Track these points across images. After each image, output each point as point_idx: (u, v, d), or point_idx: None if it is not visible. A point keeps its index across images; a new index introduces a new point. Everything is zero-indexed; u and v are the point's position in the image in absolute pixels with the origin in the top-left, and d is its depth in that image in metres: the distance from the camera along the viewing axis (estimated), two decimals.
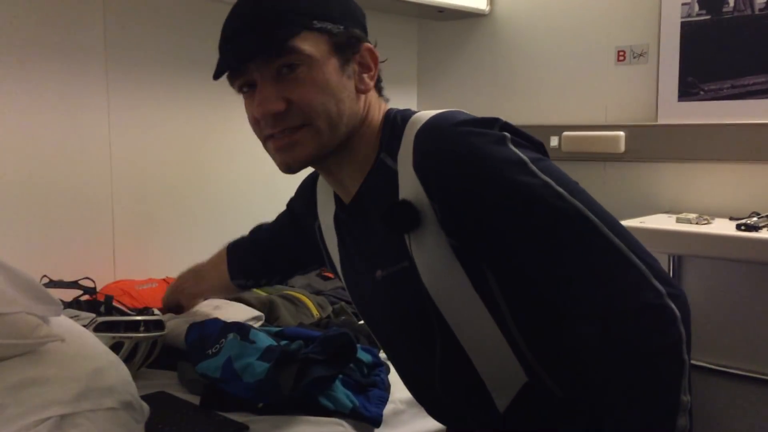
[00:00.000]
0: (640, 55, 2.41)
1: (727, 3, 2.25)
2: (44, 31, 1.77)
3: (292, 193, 2.50)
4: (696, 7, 2.31)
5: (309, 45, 0.92)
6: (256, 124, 0.98)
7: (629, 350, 0.82)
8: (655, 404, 0.81)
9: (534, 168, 0.86)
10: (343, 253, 1.10)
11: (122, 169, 1.95)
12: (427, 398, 1.10)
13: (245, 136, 2.28)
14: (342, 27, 0.95)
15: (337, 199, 1.08)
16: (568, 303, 0.86)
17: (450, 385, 0.99)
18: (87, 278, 1.65)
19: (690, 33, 2.32)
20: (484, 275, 0.91)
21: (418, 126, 0.93)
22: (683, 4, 2.32)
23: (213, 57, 2.33)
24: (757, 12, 2.21)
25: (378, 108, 1.02)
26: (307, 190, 1.23)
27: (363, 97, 0.98)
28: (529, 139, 0.92)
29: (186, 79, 2.10)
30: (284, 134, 0.94)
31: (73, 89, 1.84)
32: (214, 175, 2.20)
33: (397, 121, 0.98)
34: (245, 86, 0.96)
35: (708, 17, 2.29)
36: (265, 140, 0.99)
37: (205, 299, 1.68)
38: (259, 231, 1.52)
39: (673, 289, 0.83)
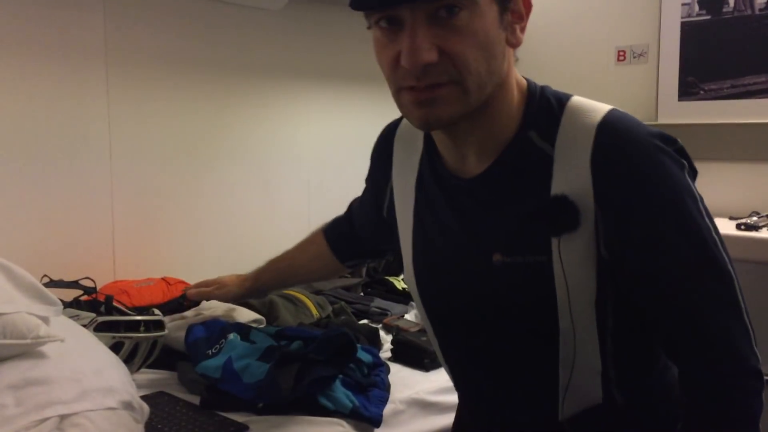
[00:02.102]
0: (640, 55, 2.41)
1: (727, 3, 2.25)
2: (44, 31, 1.77)
3: (290, 193, 2.52)
4: (696, 7, 2.31)
5: None
6: (394, 69, 0.83)
7: (728, 406, 0.83)
8: None
9: (702, 208, 0.84)
10: (423, 223, 0.98)
11: (122, 169, 1.95)
12: (476, 389, 1.02)
13: (245, 136, 2.29)
14: None
15: (435, 165, 0.96)
16: (682, 345, 0.86)
17: (519, 382, 0.95)
18: (87, 278, 1.65)
19: (690, 33, 2.32)
20: (608, 293, 0.87)
21: (595, 117, 0.84)
22: (683, 4, 2.32)
23: (213, 57, 2.33)
24: (757, 12, 2.21)
25: (515, 71, 0.89)
26: (381, 151, 1.09)
27: (510, 53, 0.86)
28: (693, 168, 0.87)
29: (186, 78, 2.10)
30: (428, 88, 0.81)
31: (73, 89, 1.83)
32: (214, 175, 2.20)
33: (548, 99, 0.88)
34: (384, 20, 0.81)
35: (708, 17, 2.29)
36: (399, 90, 0.85)
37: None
38: (352, 209, 1.39)
39: (760, 359, 0.85)
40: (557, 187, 0.84)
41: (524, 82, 0.91)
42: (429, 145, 0.97)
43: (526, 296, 0.88)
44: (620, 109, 0.87)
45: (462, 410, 1.16)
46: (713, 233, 0.83)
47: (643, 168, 0.82)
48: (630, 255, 0.84)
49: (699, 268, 0.83)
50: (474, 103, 0.83)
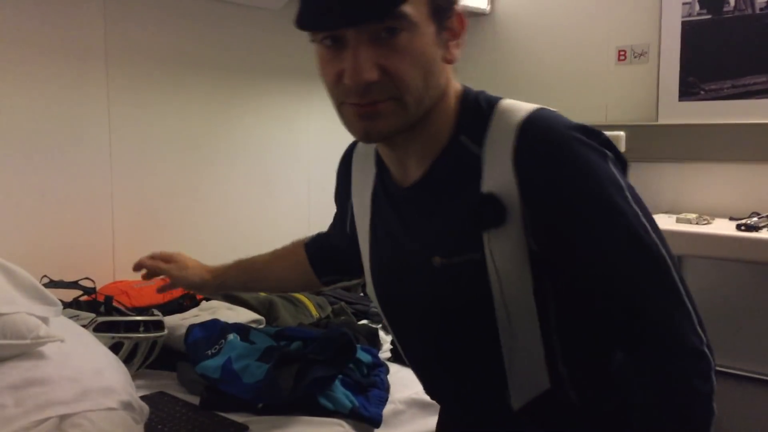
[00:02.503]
0: (641, 54, 2.41)
1: (728, 3, 2.25)
2: (44, 31, 1.77)
3: (290, 193, 2.52)
4: (696, 7, 2.31)
5: (413, 8, 0.83)
6: (336, 84, 0.87)
7: (672, 389, 0.84)
8: None
9: (628, 194, 0.86)
10: (376, 234, 1.04)
11: (122, 169, 1.95)
12: (438, 385, 1.07)
13: (245, 135, 2.29)
14: None
15: (383, 178, 1.02)
16: (623, 329, 0.87)
17: (470, 375, 0.99)
18: (87, 278, 1.65)
19: (690, 33, 2.32)
20: (545, 283, 0.89)
21: (518, 116, 0.87)
22: (684, 4, 2.32)
23: (213, 56, 2.33)
24: (757, 12, 2.21)
25: (452, 82, 0.93)
26: (342, 171, 1.16)
27: (447, 68, 0.90)
28: (621, 160, 0.90)
29: (186, 78, 2.10)
30: (369, 103, 0.85)
31: (73, 89, 1.84)
32: (213, 175, 2.20)
33: (479, 103, 0.92)
34: (328, 39, 0.86)
35: (709, 17, 2.29)
36: (341, 104, 0.89)
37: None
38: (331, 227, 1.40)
39: (708, 340, 0.86)
40: (486, 186, 0.88)
41: (460, 89, 0.95)
42: (379, 160, 1.03)
43: (465, 293, 0.91)
44: (549, 108, 0.90)
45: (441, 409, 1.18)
46: (642, 219, 0.85)
47: (561, 160, 0.84)
48: (558, 246, 0.86)
49: (627, 254, 0.84)
50: (413, 117, 0.87)
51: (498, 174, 0.87)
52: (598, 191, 0.84)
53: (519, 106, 0.90)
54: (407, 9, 0.82)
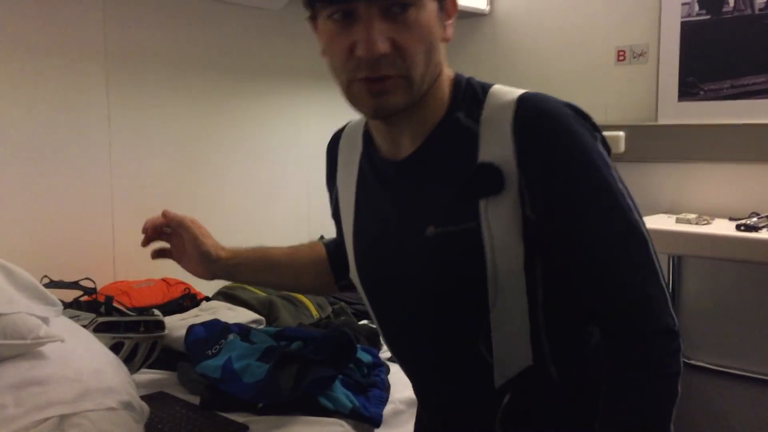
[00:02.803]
0: (640, 54, 2.41)
1: (727, 3, 2.25)
2: (44, 31, 1.77)
3: (290, 194, 2.52)
4: (696, 7, 2.31)
5: None
6: (347, 59, 0.87)
7: (645, 366, 0.87)
8: (650, 423, 0.87)
9: (615, 174, 0.90)
10: (361, 212, 1.04)
11: (122, 170, 1.95)
12: (421, 367, 1.05)
13: (244, 135, 2.29)
14: None
15: (370, 155, 1.02)
16: (601, 302, 0.90)
17: (457, 353, 0.98)
18: (87, 278, 1.65)
19: (690, 33, 2.32)
20: (536, 257, 0.91)
21: (514, 94, 0.91)
22: (683, 4, 2.32)
23: (213, 57, 2.33)
24: (757, 12, 2.21)
25: (446, 61, 0.96)
26: (329, 155, 1.15)
27: (443, 47, 0.93)
28: (605, 144, 0.93)
29: (186, 79, 2.10)
30: (379, 80, 0.87)
31: (73, 89, 1.84)
32: (213, 176, 2.20)
33: (473, 85, 0.96)
34: (339, 13, 0.86)
35: (708, 17, 2.29)
36: (351, 81, 0.89)
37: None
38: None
39: (678, 322, 0.89)
40: (482, 157, 0.90)
41: (451, 72, 0.97)
42: (366, 140, 1.04)
43: (458, 262, 0.92)
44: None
45: (419, 405, 1.17)
46: (627, 198, 0.89)
47: (558, 132, 0.88)
48: (552, 214, 0.89)
49: (611, 227, 0.88)
50: (417, 94, 0.90)
51: (495, 145, 0.90)
52: (591, 165, 0.88)
53: (512, 88, 0.94)
54: None
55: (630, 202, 0.89)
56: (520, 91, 0.92)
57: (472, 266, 0.91)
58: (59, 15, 1.80)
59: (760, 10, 2.20)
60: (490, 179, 0.89)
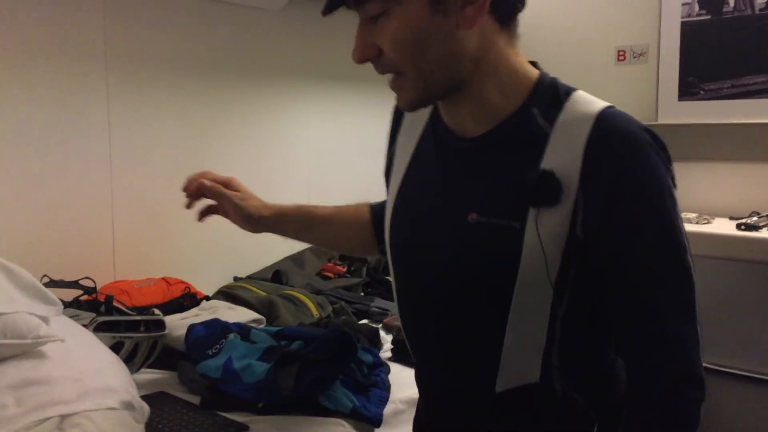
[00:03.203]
0: (640, 55, 2.41)
1: (728, 3, 2.25)
2: (44, 32, 1.77)
3: (289, 193, 2.51)
4: (696, 7, 2.31)
5: None
6: None
7: (663, 411, 0.86)
8: None
9: (678, 211, 0.88)
10: (410, 177, 1.04)
11: (122, 169, 1.95)
12: (427, 346, 1.04)
13: (244, 135, 2.29)
14: None
15: (436, 126, 1.01)
16: (636, 341, 0.89)
17: (465, 344, 0.97)
18: (87, 278, 1.65)
19: (690, 33, 2.32)
20: (570, 273, 0.89)
21: (597, 106, 0.89)
22: (683, 4, 2.32)
23: (213, 57, 2.33)
24: (757, 12, 2.21)
25: (507, 50, 0.92)
26: (395, 116, 1.15)
27: (470, 34, 0.87)
28: (673, 179, 0.91)
29: (186, 79, 2.10)
30: (393, 78, 0.92)
31: (73, 89, 1.84)
32: None
33: (556, 86, 0.94)
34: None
35: (708, 17, 2.29)
36: None
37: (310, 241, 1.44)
38: None
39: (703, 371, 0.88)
40: (547, 163, 0.88)
41: (530, 67, 0.96)
42: (435, 108, 1.02)
43: (492, 257, 0.91)
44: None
45: (419, 399, 1.15)
46: (684, 238, 0.87)
47: (632, 158, 0.86)
48: (604, 240, 0.87)
49: (667, 267, 0.86)
50: (429, 87, 0.90)
51: (563, 155, 0.87)
52: (658, 198, 0.86)
53: (594, 99, 0.92)
54: None
55: (686, 243, 0.87)
56: (603, 104, 0.90)
57: (504, 265, 0.89)
58: (59, 15, 1.80)
59: (760, 10, 2.20)
60: (548, 189, 0.87)
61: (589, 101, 0.91)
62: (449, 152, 0.98)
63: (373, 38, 0.89)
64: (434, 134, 1.01)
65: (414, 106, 0.94)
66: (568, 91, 0.93)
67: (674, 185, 0.90)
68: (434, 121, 1.02)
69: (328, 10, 0.91)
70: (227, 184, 1.33)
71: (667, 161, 0.89)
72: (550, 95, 0.92)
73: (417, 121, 1.06)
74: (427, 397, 1.11)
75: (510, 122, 0.92)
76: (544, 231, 0.87)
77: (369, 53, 0.89)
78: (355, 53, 0.91)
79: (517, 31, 0.95)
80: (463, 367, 0.99)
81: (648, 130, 0.89)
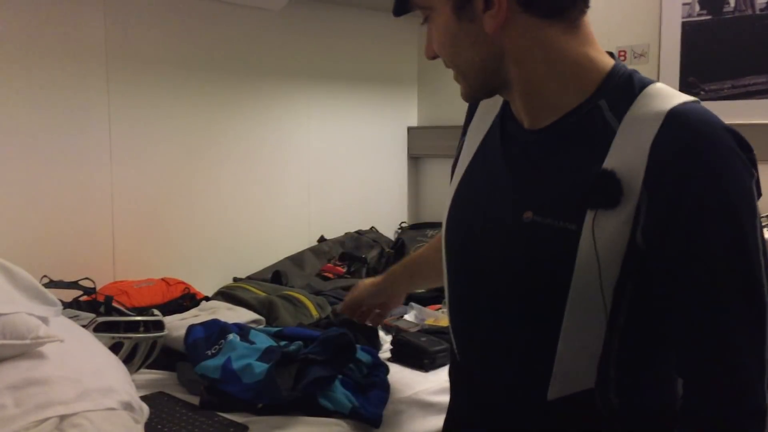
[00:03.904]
0: (641, 55, 2.41)
1: (728, 3, 2.25)
2: (44, 31, 1.77)
3: (291, 193, 2.52)
4: (696, 7, 2.31)
5: None
6: None
7: None
8: None
9: (759, 225, 0.80)
10: (473, 169, 1.01)
11: (122, 170, 1.95)
12: (478, 344, 1.00)
13: (245, 136, 2.29)
14: None
15: (504, 118, 0.99)
16: (693, 365, 0.83)
17: (518, 345, 0.93)
18: (87, 278, 1.65)
19: (690, 33, 2.32)
20: (630, 282, 0.84)
21: (671, 102, 0.82)
22: (684, 4, 2.32)
23: (213, 57, 2.33)
24: (757, 12, 2.21)
25: (564, 42, 0.88)
26: (469, 109, 1.12)
27: (505, 34, 0.87)
28: (758, 185, 0.83)
29: (186, 78, 2.10)
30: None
31: (73, 89, 1.84)
32: (214, 176, 2.20)
33: (631, 79, 0.87)
34: None
35: (709, 17, 2.29)
36: None
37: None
38: None
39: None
40: (610, 161, 0.82)
41: (604, 58, 0.90)
42: (506, 103, 1.00)
43: (546, 259, 0.87)
44: (703, 106, 0.84)
45: (452, 401, 1.12)
46: (761, 257, 0.79)
47: (703, 158, 0.78)
48: (666, 252, 0.80)
49: (735, 288, 0.79)
50: (476, 84, 0.93)
51: (628, 154, 0.81)
52: (732, 206, 0.78)
53: (672, 93, 0.85)
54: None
55: (763, 262, 0.79)
56: (678, 100, 0.83)
57: (559, 268, 0.85)
58: (60, 15, 1.80)
59: (761, 10, 2.20)
60: (607, 190, 0.81)
61: (665, 95, 0.84)
62: (512, 145, 0.96)
63: (429, 39, 0.94)
64: (501, 127, 0.99)
65: (469, 98, 0.98)
66: (644, 84, 0.86)
67: (759, 193, 0.83)
68: (504, 113, 0.99)
69: (396, 14, 0.99)
70: (374, 299, 1.52)
71: (752, 166, 0.81)
72: (622, 87, 0.86)
73: (488, 113, 1.03)
74: (469, 401, 1.05)
75: (574, 115, 0.88)
76: (600, 235, 0.81)
77: (429, 52, 0.95)
78: (426, 53, 0.97)
79: (583, 18, 0.90)
80: (515, 371, 0.94)
81: (731, 131, 0.81)
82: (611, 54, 0.92)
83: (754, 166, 0.82)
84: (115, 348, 1.40)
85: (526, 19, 0.86)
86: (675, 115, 0.81)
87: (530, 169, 0.92)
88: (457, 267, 1.02)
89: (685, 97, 0.84)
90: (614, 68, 0.89)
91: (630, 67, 0.93)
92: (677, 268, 0.81)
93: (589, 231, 0.82)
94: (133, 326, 1.47)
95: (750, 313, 0.79)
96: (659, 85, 0.87)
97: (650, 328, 0.87)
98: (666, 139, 0.80)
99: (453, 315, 1.04)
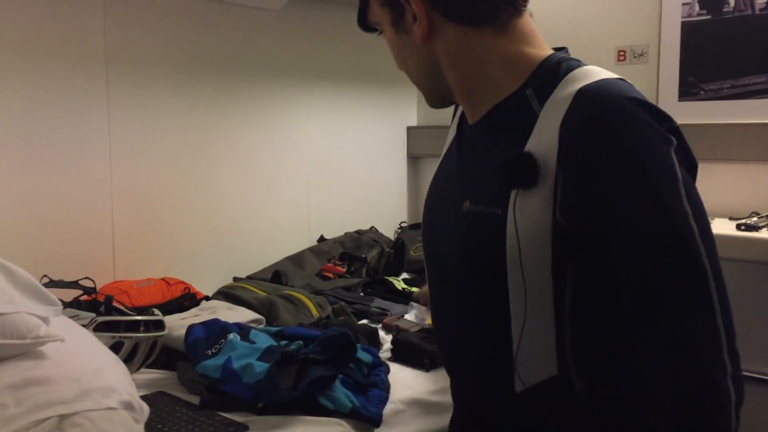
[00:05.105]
0: (641, 55, 2.41)
1: (728, 3, 2.25)
2: (44, 32, 1.77)
3: (291, 193, 2.52)
4: (696, 7, 2.31)
5: (374, 15, 0.98)
6: None
7: (678, 419, 0.77)
8: None
9: (682, 189, 0.77)
10: (443, 166, 1.05)
11: (122, 170, 1.95)
12: (453, 353, 1.02)
13: (245, 136, 2.29)
14: None
15: (463, 118, 1.03)
16: (636, 334, 0.79)
17: (479, 345, 0.94)
18: (87, 278, 1.65)
19: (690, 33, 2.32)
20: (566, 263, 0.83)
21: (584, 82, 0.83)
22: (683, 4, 2.32)
23: (213, 57, 2.33)
24: (757, 12, 2.21)
25: (495, 43, 0.91)
26: (453, 114, 1.15)
27: (437, 43, 0.92)
28: (688, 155, 0.82)
29: (186, 78, 2.10)
30: None
31: (73, 89, 1.84)
32: (214, 175, 2.20)
33: (560, 65, 0.88)
34: None
35: (708, 17, 2.29)
36: None
37: None
38: None
39: (737, 371, 0.78)
40: (530, 145, 0.85)
41: (537, 52, 0.92)
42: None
43: (481, 246, 0.89)
44: (625, 81, 0.85)
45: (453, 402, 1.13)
46: (690, 220, 0.77)
47: (611, 132, 0.79)
48: (584, 224, 0.80)
49: (660, 253, 0.77)
50: (427, 90, 0.99)
51: (544, 135, 0.83)
52: (644, 175, 0.77)
53: (593, 73, 0.86)
54: (371, 18, 0.99)
55: (693, 224, 0.76)
56: (593, 78, 0.84)
57: (493, 254, 0.86)
58: (60, 15, 1.80)
59: (761, 10, 2.20)
60: (525, 170, 0.83)
61: (585, 76, 0.85)
62: (462, 142, 1.02)
63: None
64: (459, 126, 1.05)
65: (430, 104, 1.02)
66: (572, 68, 0.87)
67: (690, 160, 0.82)
68: (462, 113, 1.04)
69: (361, 29, 1.03)
70: None
71: (669, 132, 0.80)
72: (550, 75, 0.88)
73: (458, 116, 1.08)
74: (455, 398, 1.08)
75: (503, 106, 0.91)
76: (523, 217, 0.83)
77: (397, 64, 1.01)
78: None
79: (514, 20, 0.91)
80: (481, 365, 0.95)
81: (639, 101, 0.81)
82: (560, 48, 0.94)
83: (673, 133, 0.81)
84: (115, 348, 1.40)
85: (452, 28, 0.91)
86: (583, 92, 0.82)
87: (471, 161, 0.97)
88: (428, 264, 1.06)
89: (605, 75, 0.85)
90: (546, 58, 0.91)
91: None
92: (599, 243, 0.80)
93: (512, 214, 0.84)
94: (133, 326, 1.47)
95: (686, 279, 0.76)
96: (586, 68, 0.88)
97: (598, 310, 0.84)
98: (572, 116, 0.81)
99: (432, 313, 1.08)
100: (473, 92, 0.95)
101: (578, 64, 0.89)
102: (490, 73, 0.92)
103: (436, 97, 1.00)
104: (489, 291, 0.90)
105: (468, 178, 0.95)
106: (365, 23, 1.01)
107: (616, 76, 0.86)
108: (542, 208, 0.82)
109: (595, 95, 0.81)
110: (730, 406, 0.78)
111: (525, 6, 0.92)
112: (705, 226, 0.78)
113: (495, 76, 0.92)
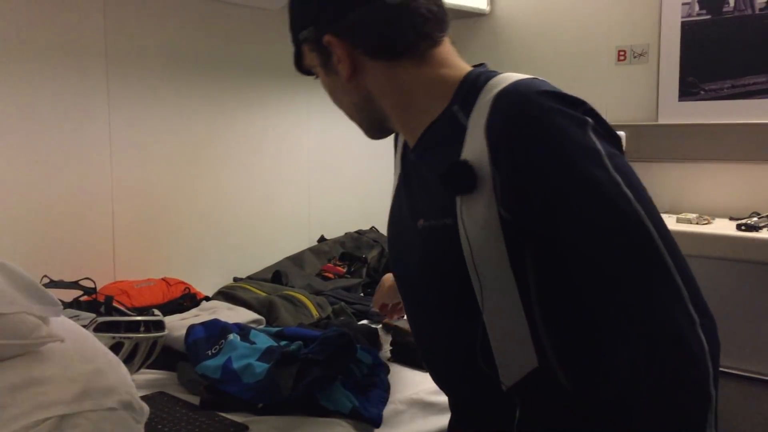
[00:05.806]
0: (641, 54, 2.41)
1: (728, 3, 2.25)
2: (45, 32, 1.77)
3: (291, 193, 2.52)
4: (696, 7, 2.31)
5: (308, 59, 1.05)
6: None
7: (654, 379, 0.80)
8: None
9: (608, 162, 0.83)
10: (396, 195, 1.11)
11: (122, 170, 1.95)
12: (433, 362, 1.07)
13: (245, 136, 2.29)
14: (312, 27, 1.00)
15: (405, 144, 1.09)
16: (600, 307, 0.85)
17: (459, 351, 0.97)
18: (87, 278, 1.65)
19: (690, 33, 2.32)
20: (523, 254, 0.88)
21: (500, 87, 0.89)
22: (683, 4, 2.32)
23: (213, 56, 2.33)
24: (757, 12, 2.21)
25: (417, 71, 0.98)
26: (395, 139, 1.21)
27: (364, 79, 1.00)
28: (609, 131, 0.87)
29: (186, 79, 2.10)
30: None
31: (73, 89, 1.84)
32: (214, 175, 2.20)
33: (479, 78, 0.95)
34: None
35: (708, 17, 2.29)
36: None
37: None
38: None
39: (706, 320, 0.82)
40: (464, 153, 0.91)
41: (457, 71, 0.98)
42: None
43: (439, 258, 0.95)
44: (537, 78, 0.91)
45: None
46: (623, 188, 0.82)
47: (527, 128, 0.85)
48: (528, 215, 0.86)
49: (602, 225, 0.82)
50: (361, 122, 1.07)
51: (475, 143, 0.89)
52: (568, 159, 0.83)
53: (506, 78, 0.92)
54: (306, 62, 1.05)
55: (627, 191, 0.81)
56: (507, 81, 0.90)
57: (452, 262, 0.91)
58: (60, 15, 1.80)
59: (760, 10, 2.20)
60: (464, 177, 0.89)
61: (501, 81, 0.91)
62: (405, 164, 1.08)
63: None
64: (403, 155, 1.10)
65: (369, 136, 1.10)
66: (489, 77, 0.93)
67: (610, 137, 0.86)
68: (405, 143, 1.09)
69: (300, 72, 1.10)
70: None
71: (585, 115, 0.86)
72: (471, 89, 0.94)
73: (400, 146, 1.13)
74: (449, 401, 1.12)
75: (435, 125, 0.97)
76: (471, 221, 0.89)
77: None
78: None
79: (430, 51, 0.98)
80: (465, 373, 0.98)
81: (553, 93, 0.87)
82: (479, 65, 1.00)
83: (588, 114, 0.86)
84: (115, 348, 1.40)
85: (375, 64, 0.98)
86: (500, 95, 0.88)
87: (417, 183, 1.02)
88: (397, 279, 1.12)
89: (520, 77, 0.91)
90: (466, 75, 0.97)
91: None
92: (545, 230, 0.86)
93: (461, 219, 0.90)
94: (133, 326, 1.47)
95: (632, 242, 0.81)
96: (502, 75, 0.93)
97: (561, 292, 0.89)
98: (494, 118, 0.88)
99: (409, 323, 1.13)
100: (405, 118, 1.01)
101: (495, 73, 0.95)
102: (417, 100, 0.99)
103: (374, 129, 1.07)
104: (455, 297, 0.95)
105: (417, 198, 1.01)
106: (301, 68, 1.07)
107: (530, 76, 0.92)
108: (487, 208, 0.87)
109: (511, 95, 0.88)
110: (704, 356, 0.80)
111: (442, 36, 0.99)
112: (640, 192, 0.83)
113: (423, 102, 0.98)
